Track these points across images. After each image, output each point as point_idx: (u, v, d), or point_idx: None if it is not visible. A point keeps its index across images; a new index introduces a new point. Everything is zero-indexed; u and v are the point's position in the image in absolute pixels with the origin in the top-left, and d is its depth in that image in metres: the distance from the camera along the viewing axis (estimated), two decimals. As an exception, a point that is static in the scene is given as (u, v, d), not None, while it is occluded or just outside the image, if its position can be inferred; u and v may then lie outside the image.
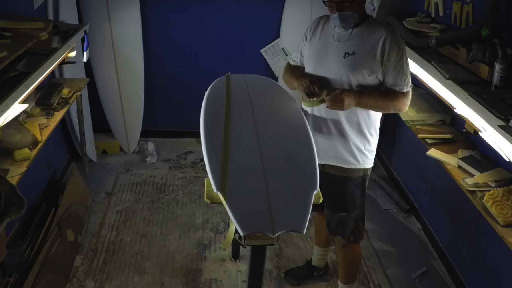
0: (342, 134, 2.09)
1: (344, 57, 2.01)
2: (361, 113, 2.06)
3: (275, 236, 1.47)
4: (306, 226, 1.50)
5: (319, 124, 2.12)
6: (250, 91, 2.44)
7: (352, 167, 2.14)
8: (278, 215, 1.51)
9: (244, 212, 1.52)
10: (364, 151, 2.14)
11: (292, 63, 2.30)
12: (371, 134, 2.13)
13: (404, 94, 2.02)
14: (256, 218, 1.52)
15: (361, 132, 2.10)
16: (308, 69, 2.14)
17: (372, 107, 2.03)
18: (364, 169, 2.17)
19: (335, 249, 2.97)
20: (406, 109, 2.08)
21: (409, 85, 2.02)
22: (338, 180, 2.16)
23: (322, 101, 2.00)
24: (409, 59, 2.73)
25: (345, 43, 2.02)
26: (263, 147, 1.84)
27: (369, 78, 2.01)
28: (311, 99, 2.03)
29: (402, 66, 1.98)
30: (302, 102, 2.16)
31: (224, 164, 1.71)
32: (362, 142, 2.12)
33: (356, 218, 2.23)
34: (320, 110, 2.09)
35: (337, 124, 2.09)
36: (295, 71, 2.22)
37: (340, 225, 2.23)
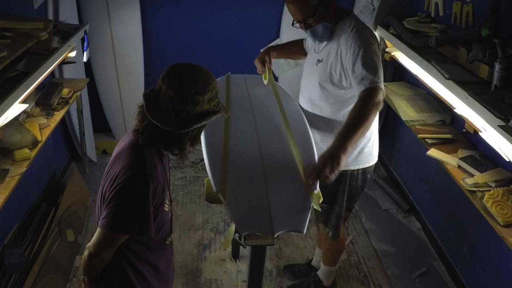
0: (331, 133, 2.02)
1: (316, 64, 2.06)
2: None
3: (275, 236, 1.47)
4: (306, 226, 1.50)
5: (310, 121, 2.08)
6: (250, 91, 2.45)
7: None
8: (278, 215, 1.51)
9: (244, 212, 1.52)
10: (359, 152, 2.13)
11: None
12: (365, 137, 2.08)
13: (369, 92, 1.80)
14: (256, 218, 1.52)
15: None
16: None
17: (360, 137, 1.81)
18: (348, 170, 2.12)
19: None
20: (379, 106, 1.82)
21: (373, 81, 1.80)
22: (341, 177, 2.10)
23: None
24: (409, 59, 2.76)
25: (319, 52, 2.07)
26: (263, 147, 1.84)
27: (338, 86, 1.98)
28: (263, 73, 2.38)
29: (361, 61, 1.83)
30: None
31: (224, 164, 1.71)
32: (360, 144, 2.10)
33: (337, 215, 2.24)
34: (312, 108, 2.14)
35: (325, 123, 2.09)
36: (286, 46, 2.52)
37: (323, 214, 2.25)
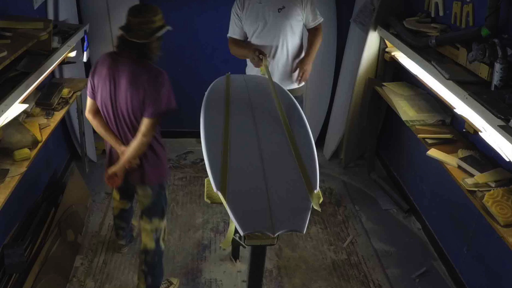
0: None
1: (278, 11, 2.83)
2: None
3: (275, 235, 1.48)
4: (306, 226, 1.50)
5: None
6: (250, 91, 2.45)
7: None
8: (278, 215, 1.51)
9: (244, 212, 1.52)
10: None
11: (234, 36, 3.01)
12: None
13: (320, 26, 3.01)
14: (256, 218, 1.52)
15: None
16: (253, 32, 2.93)
17: (315, 53, 3.00)
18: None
19: (335, 249, 2.98)
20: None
21: (320, 17, 3.00)
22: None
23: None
24: (409, 59, 2.77)
25: (273, 2, 2.83)
26: (262, 147, 1.84)
27: (298, 23, 2.90)
28: (260, 66, 2.80)
29: (314, 5, 2.93)
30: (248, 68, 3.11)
31: (224, 164, 1.71)
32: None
33: None
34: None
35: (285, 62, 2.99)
36: (240, 44, 3.01)
37: None
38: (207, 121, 2.01)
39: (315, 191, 1.62)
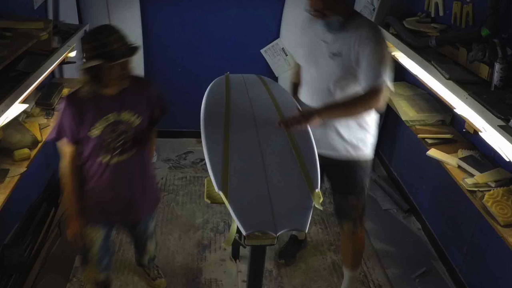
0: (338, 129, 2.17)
1: (330, 57, 2.07)
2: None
3: (277, 234, 1.48)
4: (308, 225, 1.50)
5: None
6: (250, 91, 2.45)
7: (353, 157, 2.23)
8: (280, 214, 1.51)
9: (246, 212, 1.52)
10: (358, 144, 2.21)
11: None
12: (363, 128, 2.20)
13: (374, 90, 1.97)
14: (258, 217, 1.52)
15: (353, 127, 2.17)
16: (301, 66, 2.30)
17: (341, 116, 2.08)
18: (366, 161, 2.27)
19: (335, 249, 2.98)
20: (381, 105, 2.01)
21: (381, 81, 1.97)
22: (349, 165, 2.23)
23: None
24: (409, 59, 2.76)
25: (332, 44, 2.07)
26: (263, 146, 1.84)
27: (352, 81, 2.06)
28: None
29: (375, 62, 1.97)
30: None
31: (225, 163, 1.71)
32: (358, 135, 2.20)
33: (364, 204, 2.35)
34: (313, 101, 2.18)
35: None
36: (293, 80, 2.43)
37: (351, 209, 2.31)
38: (207, 121, 2.01)
39: (316, 190, 1.62)
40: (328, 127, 2.14)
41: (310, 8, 2.05)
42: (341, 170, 2.26)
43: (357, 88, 2.06)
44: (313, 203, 1.58)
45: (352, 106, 2.00)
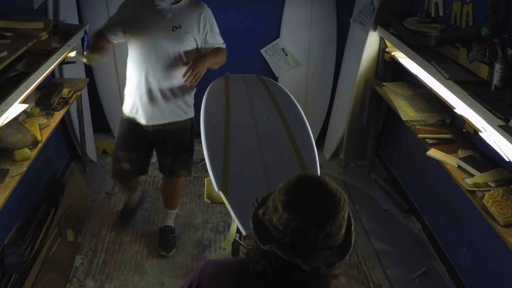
0: (174, 97, 2.53)
1: (172, 30, 2.40)
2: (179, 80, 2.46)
3: None
4: None
5: (154, 94, 2.50)
6: (249, 90, 2.45)
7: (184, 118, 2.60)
8: None
9: (246, 211, 1.52)
10: (190, 104, 2.61)
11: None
12: (189, 93, 2.59)
13: (224, 48, 2.58)
14: None
15: (184, 92, 2.55)
16: (135, 40, 2.46)
17: (214, 63, 2.51)
18: (191, 118, 2.65)
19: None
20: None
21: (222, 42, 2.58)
22: (178, 131, 2.61)
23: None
24: (409, 59, 2.77)
25: (170, 19, 2.39)
26: (263, 145, 1.84)
27: (191, 46, 2.45)
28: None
29: (217, 30, 2.56)
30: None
31: (225, 163, 1.71)
32: (187, 98, 2.58)
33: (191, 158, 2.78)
34: (155, 83, 2.48)
35: (169, 91, 2.51)
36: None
37: (183, 164, 2.73)
38: (207, 121, 2.01)
39: None
40: (171, 98, 2.53)
41: None
42: (181, 133, 2.63)
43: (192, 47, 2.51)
44: None
45: (220, 55, 2.55)
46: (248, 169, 1.72)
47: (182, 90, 2.53)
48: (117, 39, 2.50)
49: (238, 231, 1.98)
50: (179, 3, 2.44)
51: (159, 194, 3.49)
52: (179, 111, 2.58)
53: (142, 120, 2.56)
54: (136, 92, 2.53)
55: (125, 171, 2.71)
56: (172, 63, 2.44)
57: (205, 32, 2.48)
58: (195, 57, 2.42)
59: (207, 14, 2.51)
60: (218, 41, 2.57)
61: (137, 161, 2.71)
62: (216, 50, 2.52)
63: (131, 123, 2.62)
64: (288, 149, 1.84)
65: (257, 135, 1.92)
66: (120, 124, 2.70)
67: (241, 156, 1.78)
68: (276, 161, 1.77)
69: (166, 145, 2.66)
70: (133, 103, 2.55)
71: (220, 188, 1.59)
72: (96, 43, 2.40)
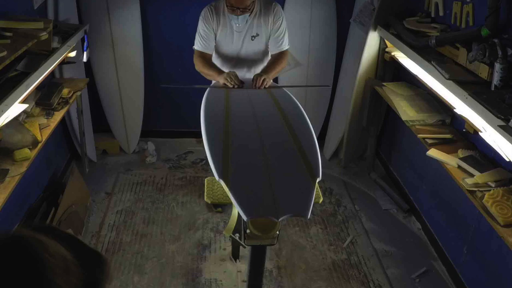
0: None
1: (251, 39, 2.76)
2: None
3: (279, 220, 1.46)
4: (310, 211, 1.49)
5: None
6: (250, 90, 2.45)
7: None
8: (281, 200, 1.50)
9: (247, 198, 1.51)
10: None
11: (200, 49, 2.82)
12: None
13: (286, 52, 2.86)
14: (259, 203, 1.51)
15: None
16: (221, 52, 2.86)
17: (276, 74, 2.85)
18: None
19: (335, 249, 2.98)
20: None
21: (288, 44, 2.85)
22: None
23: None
24: (409, 59, 2.77)
25: (248, 30, 2.73)
26: (264, 136, 1.84)
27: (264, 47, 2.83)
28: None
29: (282, 31, 2.79)
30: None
31: (225, 152, 1.70)
32: None
33: None
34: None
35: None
36: (211, 64, 2.80)
37: None
38: (207, 119, 2.01)
39: (318, 179, 1.62)
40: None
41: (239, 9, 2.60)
42: None
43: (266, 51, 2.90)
44: (314, 189, 1.57)
45: (280, 65, 2.83)
46: (248, 157, 1.71)
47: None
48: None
49: (237, 231, 1.98)
50: (253, 11, 2.68)
51: (159, 193, 3.50)
52: None
53: None
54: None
55: None
56: (252, 64, 2.87)
57: (271, 34, 2.77)
58: (260, 76, 2.61)
59: (277, 14, 2.73)
60: (282, 46, 2.82)
61: None
62: (277, 63, 2.78)
63: None
64: (288, 140, 1.83)
65: (257, 126, 1.92)
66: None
67: (242, 145, 1.77)
68: (277, 150, 1.77)
69: None
70: None
71: (220, 176, 1.58)
72: (211, 71, 2.73)
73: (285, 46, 2.84)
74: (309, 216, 1.49)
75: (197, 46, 2.81)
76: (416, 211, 3.33)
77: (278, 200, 1.49)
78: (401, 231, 3.22)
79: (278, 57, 2.83)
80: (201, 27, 2.77)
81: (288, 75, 3.96)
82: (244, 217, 1.46)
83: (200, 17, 2.76)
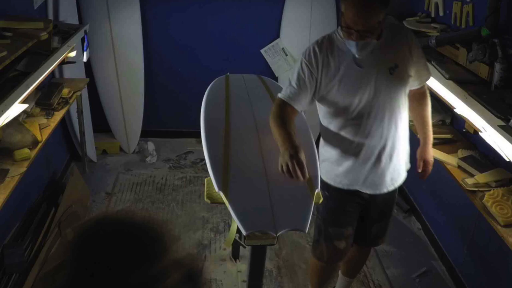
0: (398, 155, 1.97)
1: (390, 73, 1.81)
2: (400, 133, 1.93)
3: (277, 235, 1.48)
4: (308, 225, 1.50)
5: (383, 158, 1.92)
6: (250, 91, 2.45)
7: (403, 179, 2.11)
8: (280, 214, 1.51)
9: (246, 212, 1.52)
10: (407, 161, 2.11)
11: (285, 97, 1.84)
12: (407, 147, 2.07)
13: (427, 88, 2.09)
14: (258, 217, 1.52)
15: (406, 147, 2.04)
16: (341, 104, 1.85)
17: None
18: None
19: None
20: None
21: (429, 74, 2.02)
22: (394, 192, 2.11)
23: None
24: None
25: (380, 60, 1.81)
26: (263, 146, 1.84)
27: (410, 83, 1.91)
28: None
29: (423, 57, 1.95)
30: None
31: (225, 163, 1.71)
32: (406, 155, 2.08)
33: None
34: (381, 143, 1.91)
35: (396, 149, 1.94)
36: (287, 126, 1.76)
37: (384, 230, 2.24)
38: (207, 121, 2.01)
39: (317, 191, 1.62)
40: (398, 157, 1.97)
41: (345, 27, 1.72)
42: (391, 197, 2.12)
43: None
44: (313, 202, 1.58)
45: (429, 113, 2.11)
46: (248, 169, 1.72)
47: (405, 145, 2.00)
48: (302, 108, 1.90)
49: (238, 231, 1.98)
50: (380, 36, 1.79)
51: (159, 193, 3.50)
52: (403, 172, 2.07)
53: (366, 190, 1.97)
54: (355, 159, 1.91)
55: (341, 250, 2.10)
56: (395, 113, 1.88)
57: (413, 63, 1.88)
58: (425, 156, 2.11)
59: (409, 35, 1.90)
60: (426, 77, 2.00)
61: (351, 235, 2.11)
62: (428, 111, 2.07)
63: (347, 194, 2.00)
64: None
65: (257, 135, 1.92)
66: (325, 195, 1.99)
67: (241, 156, 1.78)
68: (276, 160, 1.77)
69: (378, 210, 2.11)
70: (353, 172, 1.94)
71: (220, 188, 1.59)
72: (280, 136, 1.74)
73: (429, 77, 2.02)
74: (307, 230, 1.50)
75: (282, 92, 1.87)
76: (416, 211, 3.33)
77: (276, 215, 1.50)
78: (401, 231, 3.22)
79: (424, 101, 2.05)
80: (297, 69, 1.86)
81: (288, 75, 3.97)
82: (243, 232, 1.46)
83: (302, 56, 1.88)
